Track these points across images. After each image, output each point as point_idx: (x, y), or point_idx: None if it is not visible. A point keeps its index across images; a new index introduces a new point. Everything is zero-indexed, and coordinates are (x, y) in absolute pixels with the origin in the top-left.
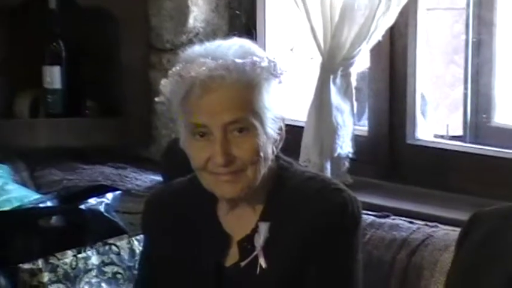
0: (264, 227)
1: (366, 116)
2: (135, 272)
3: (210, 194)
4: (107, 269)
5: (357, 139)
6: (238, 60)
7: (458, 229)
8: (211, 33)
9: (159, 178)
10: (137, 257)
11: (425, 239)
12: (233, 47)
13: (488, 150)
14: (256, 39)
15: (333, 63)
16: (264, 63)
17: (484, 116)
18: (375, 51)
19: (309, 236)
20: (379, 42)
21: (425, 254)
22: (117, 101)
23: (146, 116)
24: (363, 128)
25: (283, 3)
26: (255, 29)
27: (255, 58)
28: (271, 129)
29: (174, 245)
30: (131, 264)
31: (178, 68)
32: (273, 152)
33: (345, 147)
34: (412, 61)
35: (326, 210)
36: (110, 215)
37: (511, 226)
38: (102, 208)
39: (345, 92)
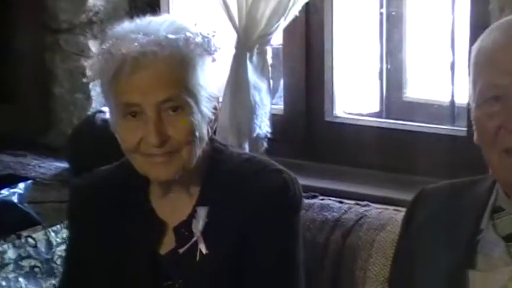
0: (202, 212)
1: (279, 94)
2: (54, 265)
3: (141, 179)
4: (24, 263)
5: (272, 118)
6: (171, 36)
7: (391, 208)
8: (112, 12)
9: (64, 165)
10: (54, 249)
11: (359, 219)
12: (165, 23)
13: (404, 125)
14: None
15: (249, 41)
16: (198, 39)
17: (403, 91)
18: (290, 27)
19: (250, 219)
20: (296, 17)
21: (360, 234)
22: (13, 86)
23: (44, 100)
24: (278, 106)
25: None
26: (159, 7)
27: (188, 34)
28: (206, 108)
29: (104, 235)
30: (49, 256)
31: (108, 45)
32: (208, 132)
33: (263, 126)
34: (328, 37)
35: (267, 192)
36: (23, 205)
37: (454, 205)
38: (15, 199)
39: (262, 70)
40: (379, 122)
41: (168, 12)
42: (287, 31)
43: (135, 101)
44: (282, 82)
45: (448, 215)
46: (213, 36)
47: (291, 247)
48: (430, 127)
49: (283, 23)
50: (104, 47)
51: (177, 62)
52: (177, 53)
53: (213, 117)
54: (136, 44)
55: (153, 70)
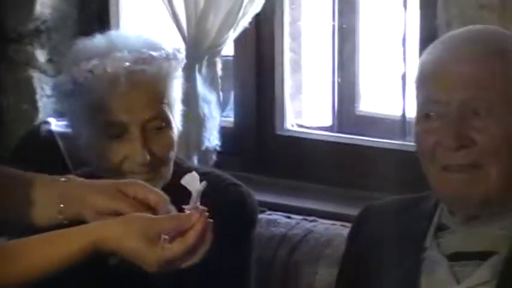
0: None
1: (230, 106)
2: None
3: None
4: None
5: (222, 131)
6: (153, 53)
7: (338, 223)
8: (60, 21)
9: None
10: None
11: (306, 235)
12: (140, 38)
13: (355, 139)
14: (110, 27)
15: (198, 52)
16: (173, 55)
17: (355, 105)
18: (241, 38)
19: None
20: (246, 29)
21: (306, 250)
22: None
23: None
24: (229, 119)
25: None
26: (108, 16)
27: (166, 50)
28: (178, 122)
29: None
30: None
31: (91, 64)
32: None
33: (212, 139)
34: (279, 49)
35: (224, 205)
36: None
37: (399, 222)
38: None
39: (211, 81)
40: (331, 136)
41: (118, 22)
42: (238, 42)
43: (123, 120)
44: (232, 94)
45: (393, 232)
46: (179, 51)
47: (245, 261)
48: (381, 142)
49: (233, 34)
50: (85, 66)
51: (161, 78)
52: (161, 69)
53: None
54: (126, 63)
55: (142, 88)
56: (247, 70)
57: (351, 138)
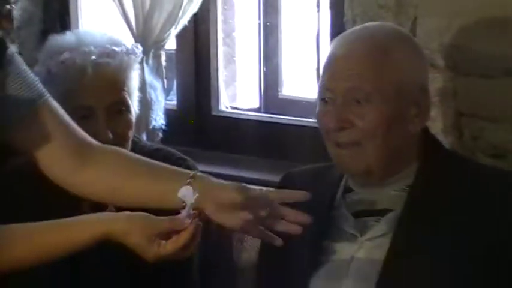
0: None
1: (173, 92)
2: None
3: None
4: None
5: (167, 112)
6: (116, 48)
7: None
8: (27, 20)
9: None
10: None
11: None
12: (104, 36)
13: (278, 118)
14: (70, 25)
15: (145, 46)
16: (132, 50)
17: (278, 90)
18: (181, 34)
19: None
20: (185, 26)
21: None
22: None
23: None
24: (173, 102)
25: None
26: (69, 15)
27: (126, 46)
28: (136, 106)
29: None
30: None
31: (62, 57)
32: None
33: (158, 120)
34: (214, 43)
35: None
36: None
37: (315, 186)
38: None
39: (157, 71)
40: (258, 116)
41: (77, 20)
42: (179, 38)
43: (90, 104)
44: (175, 82)
45: (309, 194)
46: (137, 47)
47: None
48: (299, 120)
49: (175, 31)
50: (58, 58)
51: (122, 70)
52: (122, 62)
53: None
54: (93, 56)
55: (107, 77)
56: (187, 61)
57: (275, 117)
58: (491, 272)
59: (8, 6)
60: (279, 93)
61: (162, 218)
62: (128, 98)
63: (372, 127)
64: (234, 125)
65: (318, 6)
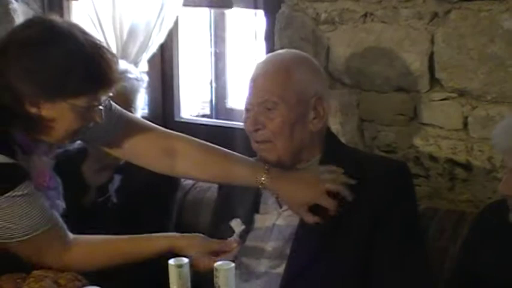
0: (117, 178)
1: (145, 103)
2: None
3: None
4: None
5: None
6: (129, 75)
7: None
8: None
9: None
10: None
11: (194, 184)
12: (122, 65)
13: (225, 123)
14: None
15: None
16: (141, 78)
17: (225, 101)
18: (151, 59)
19: (143, 192)
20: (154, 53)
21: (195, 194)
22: None
23: None
24: (145, 111)
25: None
26: None
27: (136, 74)
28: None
29: None
30: None
31: None
32: None
33: None
34: (176, 66)
35: (151, 172)
36: None
37: None
38: None
39: None
40: (210, 121)
41: None
42: (150, 62)
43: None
44: (146, 96)
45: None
46: (144, 75)
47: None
48: (241, 124)
49: (146, 56)
50: None
51: (132, 92)
52: (133, 86)
53: None
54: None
55: (123, 98)
56: (156, 80)
57: (222, 122)
58: (371, 237)
59: None
60: (226, 104)
61: (215, 240)
62: (135, 113)
63: (279, 128)
64: (192, 128)
65: (255, 37)
